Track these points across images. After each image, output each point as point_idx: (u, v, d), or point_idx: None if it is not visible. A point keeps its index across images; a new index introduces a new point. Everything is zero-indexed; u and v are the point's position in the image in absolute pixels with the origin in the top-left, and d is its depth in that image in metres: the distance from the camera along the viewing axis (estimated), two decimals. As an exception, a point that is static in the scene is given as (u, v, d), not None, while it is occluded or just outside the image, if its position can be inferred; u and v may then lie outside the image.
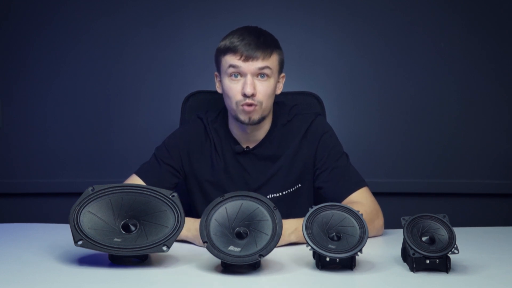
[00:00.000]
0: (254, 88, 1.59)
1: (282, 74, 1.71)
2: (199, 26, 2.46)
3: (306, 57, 2.46)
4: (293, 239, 1.46)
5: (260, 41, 1.61)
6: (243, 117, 1.62)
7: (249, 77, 1.59)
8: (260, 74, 1.61)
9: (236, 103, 1.61)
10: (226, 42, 1.63)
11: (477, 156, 2.49)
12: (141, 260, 1.26)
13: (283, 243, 1.45)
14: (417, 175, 2.49)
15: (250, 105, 1.60)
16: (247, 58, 1.59)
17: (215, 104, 1.88)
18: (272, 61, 1.62)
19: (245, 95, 1.59)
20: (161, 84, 2.46)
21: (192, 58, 2.45)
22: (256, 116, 1.63)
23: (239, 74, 1.61)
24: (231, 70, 1.61)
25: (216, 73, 1.71)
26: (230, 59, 1.61)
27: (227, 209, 1.25)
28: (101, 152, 2.47)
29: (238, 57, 1.59)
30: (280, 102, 1.78)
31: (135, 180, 1.66)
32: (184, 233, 1.46)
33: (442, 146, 2.49)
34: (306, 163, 1.71)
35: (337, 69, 2.47)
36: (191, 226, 1.45)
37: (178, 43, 2.46)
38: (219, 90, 1.71)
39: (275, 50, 1.64)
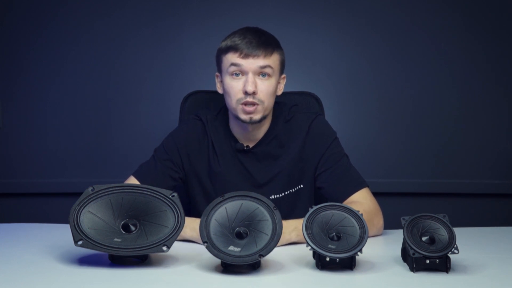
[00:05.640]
0: (256, 86, 1.60)
1: (283, 75, 1.71)
2: (198, 27, 2.46)
3: (306, 57, 2.46)
4: (294, 237, 1.46)
5: (262, 40, 1.62)
6: (243, 117, 1.62)
7: (250, 75, 1.60)
8: (262, 73, 1.61)
9: (237, 101, 1.61)
10: (228, 42, 1.63)
11: (477, 156, 2.49)
12: (141, 260, 1.26)
13: (284, 242, 1.45)
14: (417, 175, 2.49)
15: (251, 104, 1.60)
16: (248, 56, 1.59)
17: (213, 104, 1.88)
18: (274, 60, 1.63)
19: (246, 93, 1.59)
20: (160, 84, 2.46)
21: (191, 58, 2.45)
22: (257, 116, 1.62)
23: (241, 72, 1.61)
24: (232, 68, 1.61)
25: (217, 73, 1.71)
26: (231, 58, 1.61)
27: (227, 209, 1.25)
28: (101, 152, 2.47)
29: (240, 55, 1.60)
30: (280, 102, 1.78)
31: (133, 182, 1.66)
32: (189, 233, 1.46)
33: (442, 146, 2.49)
34: (308, 163, 1.71)
35: (337, 69, 2.47)
36: (195, 226, 1.44)
37: (177, 43, 2.46)
38: (219, 91, 1.70)
39: (276, 49, 1.64)
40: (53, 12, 2.45)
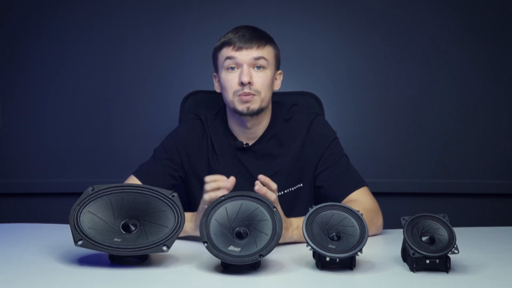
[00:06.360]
0: (251, 77, 1.61)
1: (279, 71, 1.72)
2: (198, 26, 2.46)
3: (305, 57, 2.46)
4: (295, 236, 1.46)
5: (255, 33, 1.65)
6: (241, 107, 1.63)
7: (245, 67, 1.61)
8: (256, 65, 1.62)
9: (234, 93, 1.62)
10: (222, 39, 1.67)
11: (477, 156, 2.49)
12: (141, 260, 1.26)
13: (287, 240, 1.45)
14: (417, 175, 2.49)
15: (247, 94, 1.61)
16: (241, 48, 1.61)
17: (213, 104, 1.88)
18: (268, 53, 1.64)
19: (242, 84, 1.60)
20: (160, 84, 2.46)
21: (191, 58, 2.46)
22: (254, 106, 1.63)
23: (236, 65, 1.62)
24: (227, 62, 1.63)
25: (214, 73, 1.72)
26: (225, 52, 1.63)
27: (227, 209, 1.25)
28: (101, 152, 2.47)
29: (233, 48, 1.62)
30: (279, 102, 1.78)
31: (133, 181, 1.66)
32: (188, 226, 1.46)
33: (442, 146, 2.49)
34: (308, 163, 1.71)
35: (337, 69, 2.47)
36: (193, 218, 1.46)
37: (177, 43, 2.46)
38: (217, 90, 1.72)
39: (269, 43, 1.66)
40: (53, 12, 2.45)
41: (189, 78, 2.44)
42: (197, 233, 1.44)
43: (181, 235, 1.45)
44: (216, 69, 1.70)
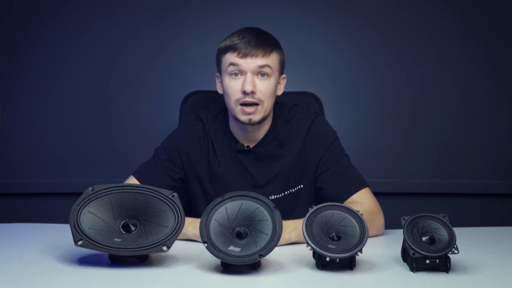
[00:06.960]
0: (254, 86, 1.59)
1: (283, 76, 1.71)
2: (198, 26, 2.46)
3: (306, 57, 2.46)
4: (294, 237, 1.46)
5: (260, 39, 1.61)
6: (242, 118, 1.62)
7: (249, 75, 1.59)
8: (260, 73, 1.60)
9: (236, 101, 1.61)
10: (227, 42, 1.63)
11: (477, 156, 2.49)
12: (141, 260, 1.26)
13: (284, 242, 1.45)
14: (417, 175, 2.49)
15: (251, 105, 1.60)
16: (246, 56, 1.59)
17: (213, 104, 1.88)
18: (273, 60, 1.62)
19: (244, 93, 1.59)
20: (160, 84, 2.46)
21: (191, 58, 2.46)
22: (257, 117, 1.62)
23: (239, 72, 1.60)
24: (231, 68, 1.61)
25: (217, 74, 1.71)
26: (230, 57, 1.61)
27: (227, 209, 1.25)
28: (101, 152, 2.47)
29: (238, 55, 1.59)
30: (279, 102, 1.78)
31: (132, 182, 1.66)
32: (191, 231, 1.47)
33: (442, 146, 2.49)
34: (308, 163, 1.71)
35: (337, 69, 2.47)
36: (198, 225, 1.45)
37: (177, 43, 2.46)
38: (219, 91, 1.70)
39: (275, 49, 1.64)
40: (53, 12, 2.45)
41: (189, 78, 2.44)
42: (198, 239, 1.44)
43: (181, 237, 1.45)
44: (219, 70, 1.68)
